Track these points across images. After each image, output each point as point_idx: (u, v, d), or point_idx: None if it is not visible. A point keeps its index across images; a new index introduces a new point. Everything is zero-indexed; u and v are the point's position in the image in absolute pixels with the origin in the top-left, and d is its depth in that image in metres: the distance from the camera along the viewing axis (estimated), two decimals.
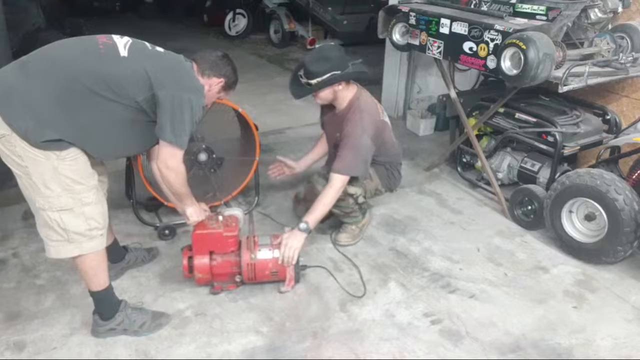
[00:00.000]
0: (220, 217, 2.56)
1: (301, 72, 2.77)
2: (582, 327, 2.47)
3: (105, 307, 2.30)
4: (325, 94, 2.77)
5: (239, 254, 2.53)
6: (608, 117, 3.38)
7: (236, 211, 2.72)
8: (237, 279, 2.56)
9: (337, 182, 2.68)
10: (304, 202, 3.12)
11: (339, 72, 2.69)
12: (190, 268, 2.52)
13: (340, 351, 2.30)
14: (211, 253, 2.52)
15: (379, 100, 2.98)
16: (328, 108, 2.97)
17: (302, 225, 2.61)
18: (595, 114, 3.40)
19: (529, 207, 3.22)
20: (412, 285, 2.73)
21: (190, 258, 2.51)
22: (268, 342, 2.33)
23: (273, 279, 2.60)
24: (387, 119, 2.97)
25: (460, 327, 2.45)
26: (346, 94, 2.81)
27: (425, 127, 4.72)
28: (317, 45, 7.00)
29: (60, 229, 2.08)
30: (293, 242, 2.55)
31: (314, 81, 2.70)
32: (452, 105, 3.69)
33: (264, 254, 2.55)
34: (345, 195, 2.80)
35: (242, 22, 8.34)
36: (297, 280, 2.63)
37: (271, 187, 3.59)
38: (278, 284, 2.62)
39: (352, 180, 2.77)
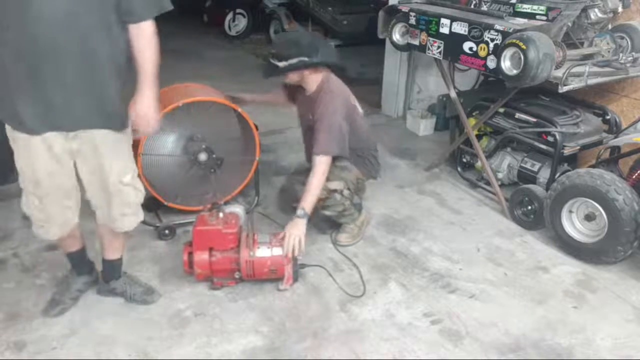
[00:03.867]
0: (221, 214, 2.56)
1: (274, 52, 2.86)
2: (582, 327, 2.47)
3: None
4: (293, 77, 2.84)
5: (238, 250, 2.54)
6: (608, 117, 3.38)
7: (237, 208, 2.73)
8: (237, 275, 2.57)
9: (321, 164, 2.70)
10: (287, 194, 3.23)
11: (306, 58, 2.73)
12: (190, 264, 2.54)
13: (340, 351, 2.30)
14: (211, 249, 2.53)
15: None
16: (300, 87, 3.00)
17: (300, 212, 2.63)
18: (595, 114, 3.40)
19: (529, 207, 3.22)
20: (412, 285, 2.73)
21: (190, 254, 2.53)
22: (268, 342, 2.33)
23: (272, 277, 2.60)
24: (357, 104, 3.01)
25: (460, 327, 2.45)
26: (314, 77, 2.85)
27: (425, 127, 4.71)
28: None
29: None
30: (295, 231, 2.58)
31: (281, 64, 2.76)
32: (452, 105, 3.69)
33: (263, 252, 2.56)
34: (329, 192, 2.81)
35: (242, 22, 8.33)
36: (295, 279, 2.63)
37: (271, 187, 3.59)
38: (278, 283, 2.62)
39: (331, 176, 2.79)
